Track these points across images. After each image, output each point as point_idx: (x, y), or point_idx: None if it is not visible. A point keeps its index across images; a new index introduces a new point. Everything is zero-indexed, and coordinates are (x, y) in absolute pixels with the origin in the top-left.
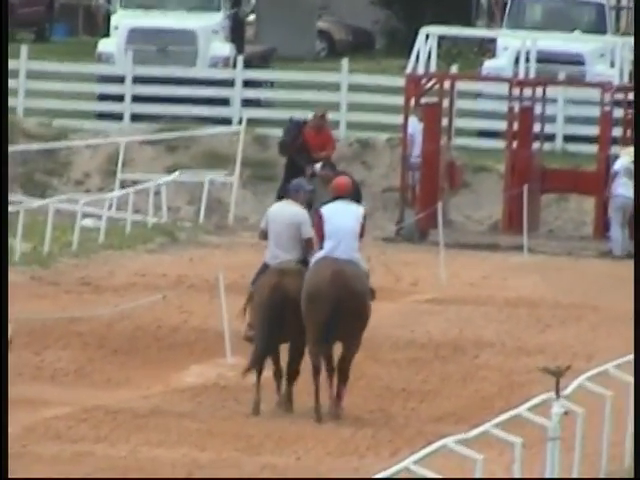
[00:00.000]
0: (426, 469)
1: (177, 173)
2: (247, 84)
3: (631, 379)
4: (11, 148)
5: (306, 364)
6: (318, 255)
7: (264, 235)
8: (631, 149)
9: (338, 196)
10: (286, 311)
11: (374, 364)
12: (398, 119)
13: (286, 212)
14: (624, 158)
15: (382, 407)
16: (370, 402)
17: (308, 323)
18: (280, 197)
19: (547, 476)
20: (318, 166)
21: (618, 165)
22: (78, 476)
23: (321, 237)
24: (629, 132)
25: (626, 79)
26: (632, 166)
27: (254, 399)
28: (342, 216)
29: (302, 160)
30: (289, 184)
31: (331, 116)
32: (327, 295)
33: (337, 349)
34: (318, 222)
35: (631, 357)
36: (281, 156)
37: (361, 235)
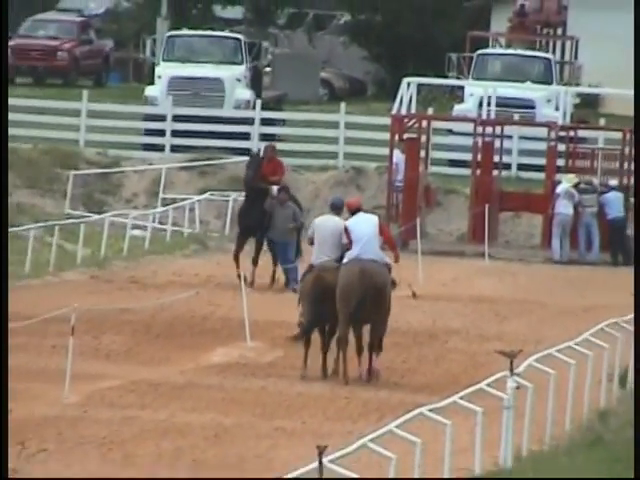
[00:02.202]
0: (405, 432)
1: (207, 194)
2: (264, 122)
3: (571, 360)
4: (73, 172)
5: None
6: (348, 256)
7: (311, 241)
8: (571, 176)
9: (355, 210)
10: (325, 298)
11: (364, 348)
12: (385, 151)
13: (330, 223)
14: (564, 183)
15: (370, 384)
16: (360, 379)
17: (340, 310)
18: (241, 216)
19: (503, 438)
20: (275, 190)
21: (559, 189)
22: (127, 435)
23: (349, 243)
24: (571, 162)
25: (568, 120)
26: (571, 190)
27: (302, 366)
28: (363, 225)
29: (264, 185)
30: (251, 206)
31: (330, 148)
32: (355, 289)
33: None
34: (347, 234)
35: (570, 343)
36: (246, 187)
37: (382, 233)
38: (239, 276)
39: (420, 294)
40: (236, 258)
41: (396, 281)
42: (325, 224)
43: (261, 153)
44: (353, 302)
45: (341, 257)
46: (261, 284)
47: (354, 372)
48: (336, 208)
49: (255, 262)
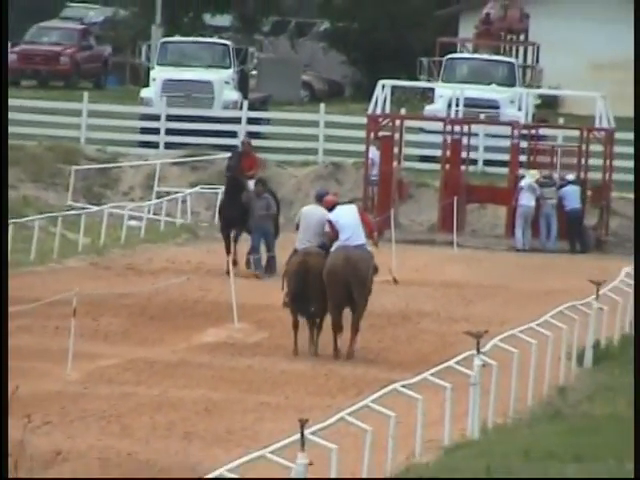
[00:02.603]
0: (381, 406)
1: (198, 187)
2: (250, 121)
3: (533, 340)
4: (75, 167)
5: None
6: (336, 244)
7: (297, 227)
8: (533, 171)
9: (332, 206)
10: (308, 280)
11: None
12: (361, 148)
13: (317, 212)
14: (527, 178)
15: (348, 361)
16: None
17: (329, 293)
18: (221, 210)
19: (470, 411)
20: (252, 183)
21: (523, 183)
22: (124, 409)
23: (336, 234)
24: (532, 158)
25: (530, 119)
26: (534, 184)
27: (294, 343)
28: (345, 215)
29: (242, 179)
30: (230, 198)
31: (311, 145)
32: (340, 274)
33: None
34: (330, 226)
35: (532, 324)
36: (227, 174)
37: (362, 218)
38: (227, 271)
39: (398, 279)
40: (228, 253)
41: (377, 267)
42: (311, 213)
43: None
44: (339, 286)
45: (323, 244)
46: (246, 271)
47: (330, 350)
48: (321, 199)
49: (233, 248)
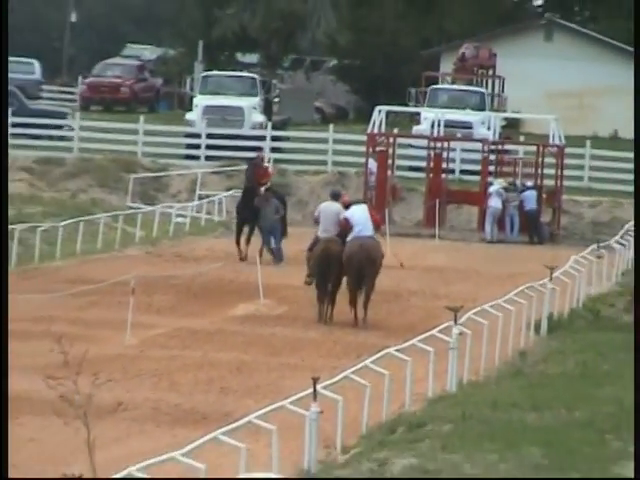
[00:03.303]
0: (378, 367)
1: (232, 191)
2: (273, 139)
3: (499, 314)
4: (133, 175)
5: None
6: (351, 235)
7: (317, 220)
8: (500, 179)
9: (349, 205)
10: (330, 262)
11: (346, 306)
12: (362, 160)
13: (333, 207)
14: (495, 184)
15: (352, 329)
16: (344, 325)
17: (348, 274)
18: (238, 211)
19: (449, 370)
20: (262, 190)
21: (491, 188)
22: (173, 369)
23: (350, 227)
24: (499, 169)
25: (497, 137)
26: (500, 190)
27: (319, 314)
28: (358, 212)
29: (255, 186)
30: (245, 202)
31: (322, 158)
32: (356, 259)
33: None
34: (346, 220)
35: (498, 301)
36: (246, 184)
37: (373, 217)
38: (240, 258)
39: (388, 264)
40: (237, 243)
41: (384, 254)
42: (329, 208)
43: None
44: (356, 268)
45: (339, 232)
46: (266, 260)
47: (337, 321)
48: (335, 196)
49: (248, 242)
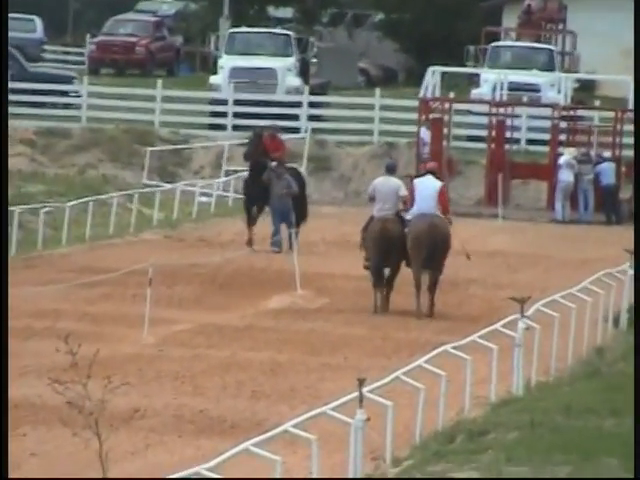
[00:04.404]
0: (432, 366)
1: None
2: (311, 105)
3: (572, 305)
4: (150, 148)
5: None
6: (413, 211)
7: (372, 198)
8: (571, 149)
9: (426, 172)
10: (389, 244)
11: (398, 296)
12: (413, 129)
13: (390, 182)
14: (565, 155)
15: (403, 324)
16: (395, 321)
17: (413, 257)
18: (246, 189)
19: (514, 371)
20: (274, 164)
21: (561, 160)
22: (197, 370)
23: (412, 198)
24: (571, 137)
25: (569, 101)
26: (572, 161)
27: (374, 303)
28: (426, 186)
29: (264, 160)
30: (253, 178)
31: (367, 127)
32: (425, 240)
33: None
34: (411, 188)
35: (571, 290)
36: (245, 161)
37: (441, 196)
38: (249, 241)
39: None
40: (249, 225)
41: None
42: (385, 184)
43: (270, 132)
44: (424, 250)
45: (397, 211)
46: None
47: (387, 315)
48: (390, 170)
49: (254, 223)
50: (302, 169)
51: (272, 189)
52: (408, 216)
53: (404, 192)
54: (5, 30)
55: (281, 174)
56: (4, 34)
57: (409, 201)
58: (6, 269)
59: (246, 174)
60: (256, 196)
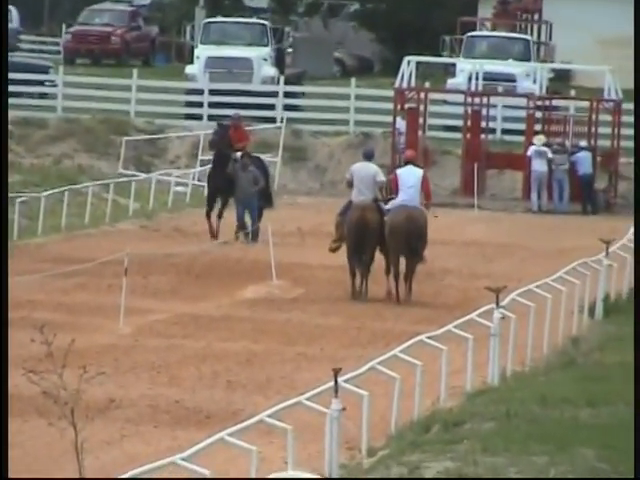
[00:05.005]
0: (408, 356)
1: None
2: (286, 95)
3: (548, 295)
4: (125, 138)
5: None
6: (395, 202)
7: (350, 184)
8: (540, 136)
9: (407, 162)
10: (366, 233)
11: (374, 286)
12: (389, 119)
13: (368, 167)
14: (535, 144)
15: (378, 313)
16: (370, 310)
17: (390, 247)
18: (209, 180)
19: (490, 360)
20: (238, 155)
21: (530, 151)
22: (172, 360)
23: (396, 188)
24: (546, 127)
25: (544, 91)
26: (541, 149)
27: (352, 290)
28: (410, 175)
29: (229, 151)
30: (217, 169)
31: (343, 117)
32: (403, 231)
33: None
34: (394, 178)
35: (547, 280)
36: (210, 150)
37: (423, 183)
38: (212, 235)
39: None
40: (208, 216)
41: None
42: (363, 169)
43: (237, 122)
44: (402, 241)
45: (375, 197)
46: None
47: (362, 305)
48: (368, 156)
49: (220, 216)
50: (277, 159)
51: (237, 181)
52: (388, 206)
53: (381, 178)
54: (5, 29)
55: (246, 165)
56: (4, 33)
57: (389, 190)
58: (6, 263)
59: (209, 166)
60: (219, 188)
